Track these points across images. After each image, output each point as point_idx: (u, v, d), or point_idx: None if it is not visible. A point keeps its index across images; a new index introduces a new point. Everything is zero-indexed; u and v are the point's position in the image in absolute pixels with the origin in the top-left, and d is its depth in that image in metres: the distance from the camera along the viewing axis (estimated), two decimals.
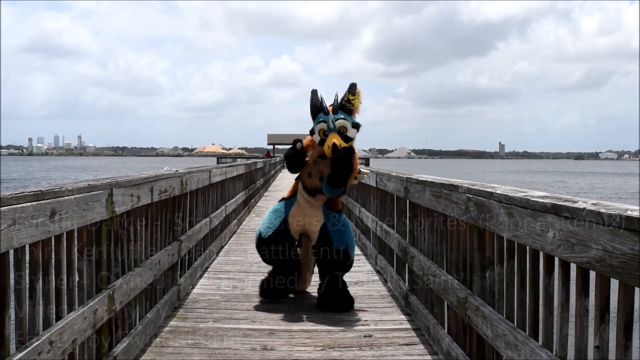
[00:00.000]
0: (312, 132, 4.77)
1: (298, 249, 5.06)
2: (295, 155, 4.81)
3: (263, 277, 5.05)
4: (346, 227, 4.83)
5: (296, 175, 4.97)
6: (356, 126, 4.69)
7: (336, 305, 4.65)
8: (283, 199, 5.00)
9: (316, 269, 5.03)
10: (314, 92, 4.80)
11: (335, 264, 4.75)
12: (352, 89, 4.73)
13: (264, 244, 4.87)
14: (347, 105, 4.69)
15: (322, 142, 4.66)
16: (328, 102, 4.80)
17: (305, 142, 4.87)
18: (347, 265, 4.82)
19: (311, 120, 4.80)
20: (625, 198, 34.76)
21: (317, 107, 4.74)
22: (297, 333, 4.06)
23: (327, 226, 4.76)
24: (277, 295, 4.91)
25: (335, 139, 4.57)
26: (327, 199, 4.81)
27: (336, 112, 4.67)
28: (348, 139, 4.65)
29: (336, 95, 4.79)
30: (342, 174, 4.62)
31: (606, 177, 72.06)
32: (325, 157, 4.71)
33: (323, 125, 4.64)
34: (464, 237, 3.12)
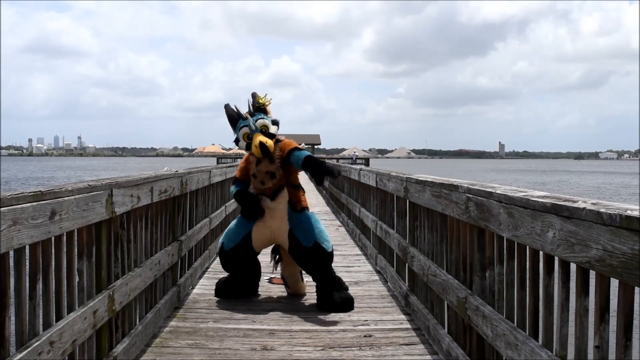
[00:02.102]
0: (237, 142, 4.91)
1: (280, 260, 5.13)
2: (246, 197, 4.94)
3: (222, 277, 5.22)
4: (310, 222, 4.84)
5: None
6: (275, 123, 4.92)
7: (335, 305, 4.65)
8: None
9: None
10: (227, 106, 4.98)
11: (313, 261, 4.78)
12: (255, 96, 4.95)
13: (225, 255, 5.01)
14: (261, 107, 4.93)
15: (248, 146, 4.80)
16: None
17: (241, 167, 5.02)
18: (325, 257, 4.80)
19: (232, 132, 4.94)
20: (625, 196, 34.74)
21: (234, 116, 4.91)
22: (297, 333, 4.07)
23: (293, 231, 4.81)
24: (232, 296, 4.99)
25: (260, 138, 4.74)
26: (289, 198, 4.85)
27: (253, 115, 4.85)
28: (271, 136, 4.84)
29: (248, 103, 4.97)
30: (318, 168, 4.67)
31: (609, 176, 72.04)
32: (260, 160, 4.83)
33: (246, 129, 4.81)
34: (464, 237, 3.12)
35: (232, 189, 5.07)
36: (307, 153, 4.85)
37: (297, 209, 4.87)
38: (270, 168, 4.82)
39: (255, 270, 5.10)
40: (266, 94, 4.99)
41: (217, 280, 5.21)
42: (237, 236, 4.94)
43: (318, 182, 4.75)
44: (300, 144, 4.99)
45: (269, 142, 4.76)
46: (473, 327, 2.88)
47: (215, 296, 5.03)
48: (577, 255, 1.82)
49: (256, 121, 4.81)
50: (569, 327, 2.00)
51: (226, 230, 5.12)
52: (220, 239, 5.12)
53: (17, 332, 2.12)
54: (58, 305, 2.45)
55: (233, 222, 5.10)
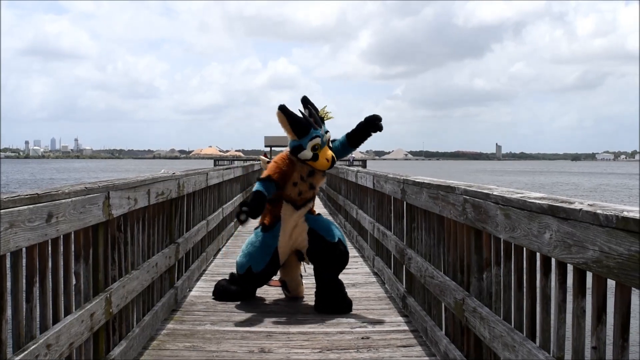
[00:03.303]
0: (298, 149, 4.68)
1: (281, 267, 5.07)
2: (264, 202, 4.62)
3: (221, 279, 5.20)
4: (330, 223, 4.92)
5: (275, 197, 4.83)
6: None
7: (335, 307, 4.65)
8: (265, 227, 4.84)
9: (310, 271, 5.03)
10: (285, 108, 4.67)
11: (334, 259, 4.75)
12: (309, 102, 4.89)
13: (254, 278, 4.84)
14: (324, 118, 4.89)
15: (315, 157, 4.69)
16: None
17: (280, 170, 4.70)
18: (346, 257, 4.82)
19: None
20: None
21: (303, 123, 4.67)
22: (295, 335, 4.06)
23: (314, 228, 4.79)
24: (233, 299, 4.97)
25: (330, 153, 4.74)
26: (312, 206, 4.90)
27: (321, 126, 4.78)
28: (331, 150, 4.81)
29: (308, 107, 4.83)
30: (364, 127, 4.85)
31: (607, 177, 72.17)
32: (314, 172, 4.77)
33: (318, 141, 4.69)
34: (461, 239, 3.12)
35: (259, 186, 4.60)
36: (342, 137, 4.96)
37: (314, 214, 4.93)
38: (316, 181, 4.83)
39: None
40: (326, 106, 4.95)
41: (215, 283, 5.19)
42: (264, 257, 4.78)
43: (375, 130, 4.85)
44: None
45: (336, 158, 4.80)
46: (470, 329, 2.88)
47: (213, 299, 5.02)
48: (574, 257, 1.83)
49: (325, 133, 4.77)
50: (566, 328, 2.00)
51: (246, 252, 4.86)
52: (242, 261, 4.86)
53: (14, 335, 2.11)
54: (55, 307, 2.45)
55: (251, 242, 4.86)
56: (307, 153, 4.67)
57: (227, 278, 5.17)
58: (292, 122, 4.65)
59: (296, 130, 4.66)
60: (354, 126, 4.92)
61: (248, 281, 4.91)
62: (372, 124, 4.84)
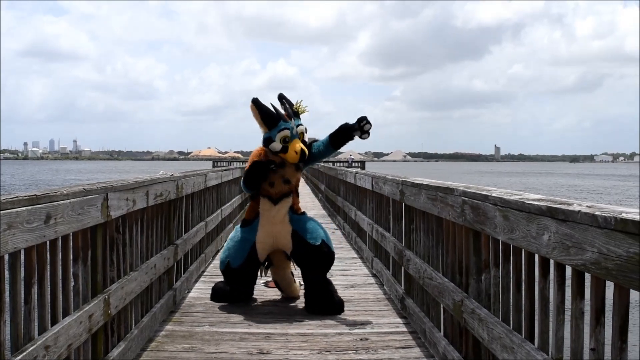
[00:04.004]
0: (268, 141, 4.74)
1: (270, 265, 5.09)
2: (262, 171, 4.74)
3: (218, 282, 5.18)
4: (313, 223, 4.88)
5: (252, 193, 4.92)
6: (307, 130, 4.89)
7: (323, 307, 4.65)
8: (244, 222, 4.94)
9: (298, 271, 5.01)
10: (258, 101, 4.77)
11: (318, 262, 4.75)
12: (284, 98, 4.92)
13: (232, 273, 4.89)
14: (298, 111, 4.89)
15: (284, 149, 4.71)
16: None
17: (256, 154, 4.87)
18: (331, 258, 4.82)
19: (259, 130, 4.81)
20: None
21: (273, 115, 4.75)
22: (294, 337, 4.06)
23: (298, 231, 4.78)
24: (228, 300, 4.97)
25: (300, 145, 4.72)
26: (291, 203, 4.84)
27: (292, 119, 4.79)
28: (305, 144, 4.81)
29: (283, 102, 4.89)
30: (349, 130, 4.80)
31: (605, 179, 72.22)
32: (284, 164, 4.78)
33: (287, 133, 4.71)
34: (460, 240, 3.12)
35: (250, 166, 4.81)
36: (324, 138, 4.94)
37: (298, 213, 4.89)
38: (289, 174, 4.81)
39: (255, 278, 5.08)
40: (302, 100, 4.96)
41: (213, 285, 5.19)
42: (242, 252, 4.83)
43: (363, 136, 4.77)
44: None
45: (307, 151, 4.78)
46: (469, 330, 2.88)
47: (211, 300, 5.02)
48: (573, 258, 1.83)
49: (297, 126, 4.78)
50: (564, 330, 2.00)
51: (225, 247, 4.98)
52: (221, 257, 4.99)
53: (13, 337, 2.11)
54: (53, 309, 2.44)
55: (231, 237, 4.98)
56: (277, 145, 4.73)
57: (223, 279, 5.18)
58: (262, 114, 4.76)
59: (266, 122, 4.75)
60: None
61: (229, 278, 4.94)
62: (352, 130, 4.78)
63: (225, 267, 4.92)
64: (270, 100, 4.86)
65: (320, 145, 4.96)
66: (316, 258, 4.74)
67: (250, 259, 4.84)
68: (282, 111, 4.82)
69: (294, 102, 4.95)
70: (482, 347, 2.73)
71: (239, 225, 5.00)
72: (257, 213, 4.87)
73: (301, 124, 4.84)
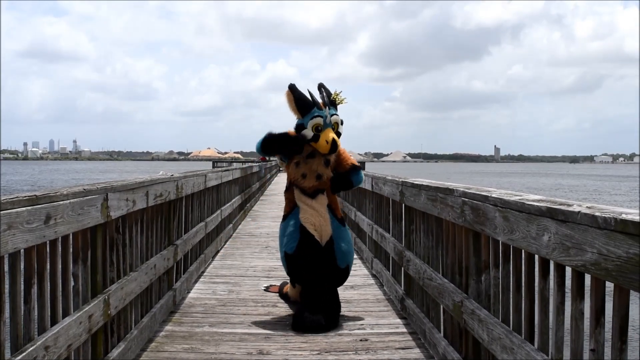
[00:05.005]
0: (300, 128, 4.55)
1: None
2: (287, 141, 4.56)
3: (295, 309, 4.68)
4: (349, 244, 4.66)
5: (286, 185, 4.76)
6: (342, 123, 4.69)
7: (307, 327, 4.28)
8: (285, 217, 4.69)
9: None
10: (294, 87, 4.60)
11: (334, 280, 4.60)
12: (324, 87, 4.72)
13: (292, 260, 4.55)
14: (336, 101, 4.70)
15: (315, 137, 4.50)
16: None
17: (289, 131, 4.65)
18: (345, 279, 4.70)
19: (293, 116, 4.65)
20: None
21: (308, 102, 4.56)
22: (293, 337, 4.06)
23: (334, 243, 4.53)
24: (310, 330, 4.24)
25: (333, 135, 4.50)
26: (329, 202, 4.63)
27: (327, 108, 4.59)
28: (339, 135, 4.61)
29: (322, 91, 4.69)
30: (344, 188, 4.84)
31: (604, 180, 72.22)
32: (314, 154, 4.59)
33: (319, 120, 4.49)
34: (460, 241, 3.12)
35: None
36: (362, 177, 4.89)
37: (338, 217, 4.65)
38: (320, 168, 4.60)
39: (318, 264, 4.52)
40: (341, 91, 4.74)
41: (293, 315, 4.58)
42: (293, 236, 4.52)
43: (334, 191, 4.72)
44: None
45: (339, 142, 4.58)
46: (469, 331, 2.88)
47: (292, 329, 4.29)
48: (573, 259, 1.83)
49: (332, 115, 4.58)
50: (564, 331, 2.00)
51: (280, 244, 4.71)
52: (280, 255, 4.69)
53: (12, 337, 2.11)
54: (53, 309, 2.44)
55: (280, 235, 4.70)
56: (308, 132, 4.51)
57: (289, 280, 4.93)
58: (297, 100, 4.57)
59: (300, 108, 4.56)
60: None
61: (294, 270, 4.59)
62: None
63: (286, 261, 4.60)
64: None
65: (355, 180, 4.80)
66: (333, 277, 4.57)
67: (305, 238, 4.49)
68: (319, 100, 4.63)
69: (332, 92, 4.74)
70: (482, 347, 2.73)
71: (281, 221, 4.76)
72: (294, 203, 4.62)
73: (336, 114, 4.62)
